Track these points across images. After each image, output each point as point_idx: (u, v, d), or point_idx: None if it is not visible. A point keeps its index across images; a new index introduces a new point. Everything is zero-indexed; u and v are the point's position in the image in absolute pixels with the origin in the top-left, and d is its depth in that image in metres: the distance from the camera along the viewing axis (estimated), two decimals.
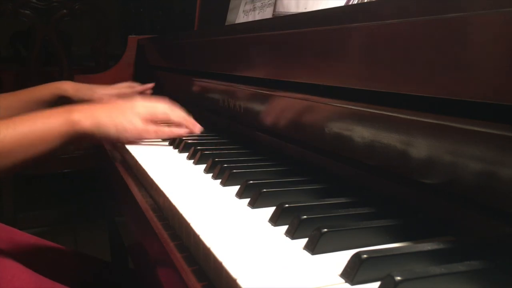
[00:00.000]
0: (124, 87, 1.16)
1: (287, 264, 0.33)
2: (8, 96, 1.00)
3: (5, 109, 0.96)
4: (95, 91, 1.10)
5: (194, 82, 0.95)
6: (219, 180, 0.53)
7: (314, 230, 0.35)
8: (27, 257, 0.77)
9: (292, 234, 0.37)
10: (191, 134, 0.74)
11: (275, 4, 0.90)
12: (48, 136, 0.62)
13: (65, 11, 1.97)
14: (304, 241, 0.36)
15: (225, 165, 0.55)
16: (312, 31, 0.51)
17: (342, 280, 0.30)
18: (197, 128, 0.75)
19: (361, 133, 0.45)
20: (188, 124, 0.75)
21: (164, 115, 0.73)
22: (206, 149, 0.64)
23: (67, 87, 1.05)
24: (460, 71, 0.33)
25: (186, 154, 0.67)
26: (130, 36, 1.45)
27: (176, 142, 0.74)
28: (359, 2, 0.67)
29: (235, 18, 1.09)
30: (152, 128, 0.70)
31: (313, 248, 0.34)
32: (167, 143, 0.77)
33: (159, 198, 0.50)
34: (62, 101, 1.07)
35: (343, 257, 0.33)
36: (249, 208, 0.44)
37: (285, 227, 0.38)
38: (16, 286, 0.64)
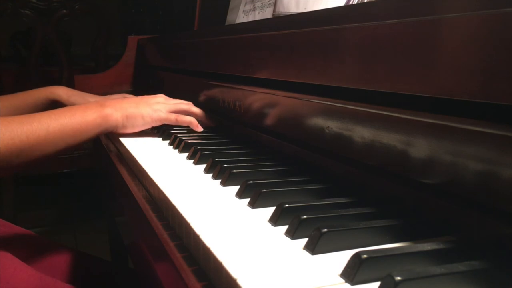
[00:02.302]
0: (118, 97, 1.15)
1: (287, 264, 0.33)
2: (3, 99, 0.99)
3: (1, 112, 0.96)
4: (86, 99, 1.09)
5: (194, 82, 0.95)
6: (219, 180, 0.53)
7: (314, 230, 0.35)
8: (27, 254, 0.78)
9: (292, 234, 0.37)
10: (207, 126, 0.85)
11: (275, 4, 0.90)
12: (86, 127, 0.71)
13: (65, 11, 1.97)
14: (304, 241, 0.36)
15: (225, 165, 0.55)
16: (312, 31, 0.51)
17: (342, 280, 0.30)
18: (211, 123, 0.86)
19: (361, 133, 0.45)
20: (205, 120, 0.85)
21: (186, 105, 0.84)
22: (206, 149, 0.64)
23: (61, 92, 1.06)
24: (460, 71, 0.33)
25: (186, 154, 0.67)
26: (130, 36, 1.45)
27: (176, 142, 0.74)
28: (359, 2, 0.67)
29: (235, 18, 1.09)
30: (173, 116, 0.80)
31: (313, 248, 0.34)
32: (167, 143, 0.77)
33: (159, 198, 0.50)
34: (55, 105, 1.08)
35: (343, 257, 0.33)
36: (249, 208, 0.44)
37: (285, 227, 0.39)
38: (17, 282, 0.65)
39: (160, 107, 0.80)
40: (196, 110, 0.85)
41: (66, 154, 0.75)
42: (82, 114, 0.71)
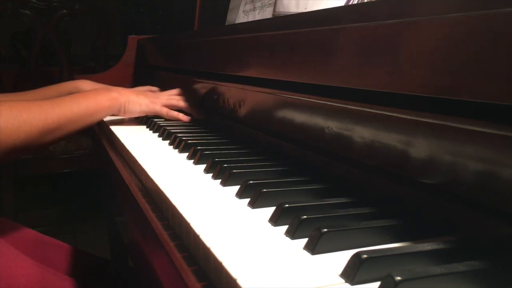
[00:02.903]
0: (144, 89, 1.17)
1: (287, 264, 0.33)
2: (27, 95, 1.03)
3: None
4: None
5: (194, 82, 0.95)
6: (219, 180, 0.53)
7: (314, 230, 0.35)
8: (30, 251, 0.78)
9: (292, 234, 0.37)
10: (197, 119, 0.96)
11: (275, 4, 0.90)
12: (99, 109, 0.84)
13: (65, 11, 1.97)
14: (304, 241, 0.36)
15: (225, 165, 0.55)
16: (312, 31, 0.51)
17: (342, 280, 0.30)
18: (198, 115, 0.97)
19: (361, 133, 0.45)
20: (193, 112, 0.97)
21: (176, 101, 0.97)
22: (206, 149, 0.64)
23: (85, 86, 1.11)
24: (460, 71, 0.33)
25: (186, 154, 0.67)
26: (130, 36, 1.45)
27: (176, 142, 0.74)
28: (359, 2, 0.67)
29: (235, 18, 1.09)
30: (164, 110, 0.94)
31: (313, 248, 0.34)
32: (167, 143, 0.77)
33: (159, 198, 0.50)
34: None
35: (343, 257, 0.33)
36: (249, 208, 0.44)
37: (285, 227, 0.38)
38: (19, 276, 0.65)
39: (155, 99, 0.94)
40: (183, 104, 0.98)
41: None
42: (95, 98, 0.84)
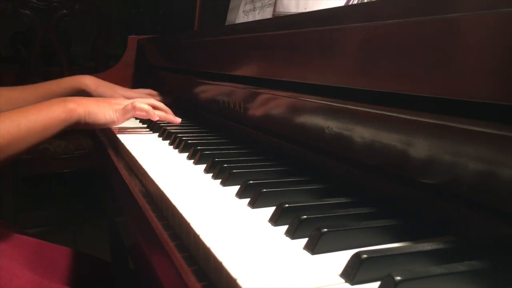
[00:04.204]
0: (144, 93, 1.16)
1: (287, 264, 0.33)
2: (26, 88, 1.01)
3: (24, 101, 0.97)
4: (115, 90, 1.10)
5: (194, 82, 0.95)
6: (219, 180, 0.53)
7: (314, 230, 0.35)
8: (27, 256, 0.78)
9: (292, 234, 0.37)
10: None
11: (275, 4, 0.90)
12: (52, 122, 0.73)
13: (65, 11, 1.98)
14: (304, 241, 0.36)
15: (225, 165, 0.55)
16: (312, 31, 0.51)
17: (342, 280, 0.30)
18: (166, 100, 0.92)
19: (361, 133, 0.45)
20: (157, 108, 0.87)
21: (141, 111, 0.85)
22: (206, 149, 0.64)
23: (89, 82, 1.07)
24: (460, 71, 0.33)
25: (186, 154, 0.67)
26: (130, 36, 1.45)
27: (176, 142, 0.74)
28: (359, 2, 0.67)
29: (235, 18, 1.09)
30: (129, 106, 0.83)
31: (313, 248, 0.34)
32: (167, 143, 0.77)
33: (159, 198, 0.50)
34: (82, 95, 1.08)
35: (343, 257, 0.33)
36: (249, 208, 0.44)
37: (285, 227, 0.39)
38: (15, 286, 0.64)
39: (118, 107, 0.83)
40: (142, 106, 0.86)
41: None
42: (47, 110, 0.73)
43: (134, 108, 0.83)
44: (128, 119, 0.84)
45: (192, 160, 0.64)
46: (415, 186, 0.39)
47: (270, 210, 0.42)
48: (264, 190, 0.45)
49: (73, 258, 0.86)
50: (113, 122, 0.82)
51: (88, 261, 0.92)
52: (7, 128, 0.66)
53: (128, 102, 0.85)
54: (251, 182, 0.48)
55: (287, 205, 0.40)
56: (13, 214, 1.97)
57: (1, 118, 0.67)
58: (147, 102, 0.86)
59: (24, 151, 0.70)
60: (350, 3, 0.68)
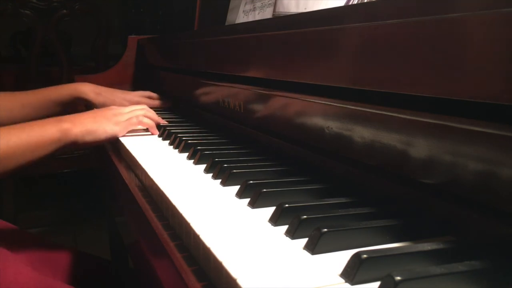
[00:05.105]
0: (143, 95, 1.15)
1: (287, 264, 0.33)
2: (26, 94, 1.00)
3: (22, 107, 0.96)
4: (116, 95, 1.09)
5: (194, 82, 0.95)
6: (219, 180, 0.53)
7: (314, 230, 0.35)
8: (28, 255, 0.78)
9: (292, 234, 0.37)
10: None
11: (275, 4, 0.90)
12: (44, 142, 0.70)
13: (65, 11, 1.97)
14: (304, 241, 0.36)
15: (225, 165, 0.55)
16: (312, 31, 0.51)
17: (342, 280, 0.30)
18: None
19: (361, 133, 0.45)
20: (157, 120, 0.88)
21: (142, 111, 0.85)
22: (206, 149, 0.64)
23: (87, 90, 1.05)
24: (460, 71, 0.33)
25: (186, 154, 0.67)
26: (130, 36, 1.45)
27: (176, 142, 0.74)
28: (359, 2, 0.67)
29: (235, 18, 1.09)
30: (134, 120, 0.82)
31: (313, 248, 0.34)
32: (167, 142, 0.77)
33: (159, 198, 0.50)
34: (81, 103, 1.07)
35: (343, 257, 0.33)
36: (249, 208, 0.44)
37: (285, 227, 0.39)
38: (19, 283, 0.65)
39: (118, 119, 0.81)
40: (147, 120, 0.85)
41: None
42: (40, 129, 0.71)
43: (140, 123, 0.83)
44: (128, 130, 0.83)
45: (192, 160, 0.64)
46: (415, 186, 0.39)
47: (270, 210, 0.42)
48: (264, 190, 0.45)
49: (74, 257, 0.86)
50: (114, 137, 0.79)
51: (89, 260, 0.92)
52: None
53: (128, 110, 0.84)
54: (251, 182, 0.48)
55: (287, 205, 0.40)
56: (13, 214, 1.97)
57: None
58: (148, 116, 0.86)
59: (13, 169, 0.67)
60: (350, 3, 0.68)
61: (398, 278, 0.27)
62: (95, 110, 0.85)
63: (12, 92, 1.00)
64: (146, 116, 0.85)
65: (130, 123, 0.81)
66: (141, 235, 0.53)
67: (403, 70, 0.38)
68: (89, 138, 0.75)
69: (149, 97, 1.16)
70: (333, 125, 0.49)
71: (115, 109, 0.84)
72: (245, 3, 1.05)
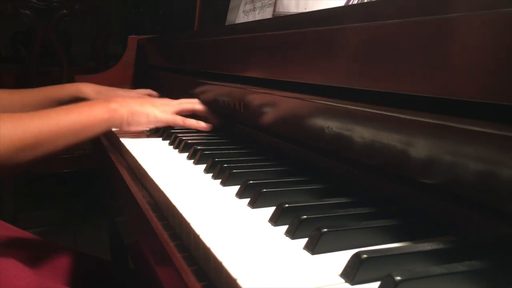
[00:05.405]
0: (143, 93, 1.15)
1: (287, 264, 0.33)
2: (26, 92, 0.99)
3: (22, 105, 0.96)
4: (118, 94, 1.09)
5: (194, 82, 0.95)
6: (219, 180, 0.53)
7: (314, 230, 0.35)
8: (28, 256, 0.78)
9: (292, 234, 0.37)
10: (213, 125, 0.84)
11: (275, 4, 0.90)
12: (94, 122, 0.72)
13: (65, 11, 1.97)
14: (304, 241, 0.36)
15: (225, 165, 0.55)
16: (312, 31, 0.51)
17: (342, 280, 0.30)
18: (216, 120, 0.85)
19: (361, 133, 0.45)
20: (210, 116, 0.86)
21: (190, 104, 0.85)
22: (206, 149, 0.64)
23: (88, 90, 1.04)
24: (460, 71, 0.33)
25: (186, 154, 0.67)
26: (130, 36, 1.45)
27: (176, 142, 0.74)
28: (359, 2, 0.67)
29: (235, 18, 1.09)
30: (179, 118, 0.81)
31: (313, 248, 0.34)
32: (167, 143, 0.77)
33: (159, 198, 0.50)
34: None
35: (343, 257, 0.33)
36: (249, 208, 0.44)
37: (285, 227, 0.39)
38: (18, 286, 0.64)
39: (164, 108, 0.81)
40: (200, 107, 0.85)
41: (73, 150, 0.77)
42: (89, 109, 0.73)
43: (184, 124, 0.81)
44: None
45: (192, 160, 0.64)
46: (415, 186, 0.39)
47: (270, 210, 0.42)
48: (264, 190, 0.45)
49: (74, 257, 0.86)
50: (157, 123, 0.80)
51: (89, 260, 0.92)
52: (46, 124, 0.66)
53: (177, 102, 0.84)
54: (251, 182, 0.48)
55: (287, 205, 0.40)
56: (13, 214, 1.97)
57: (41, 114, 0.67)
58: (196, 110, 0.85)
59: (62, 148, 0.69)
60: (350, 3, 0.68)
61: (398, 278, 0.27)
62: (145, 96, 0.88)
63: (12, 90, 0.99)
64: (194, 109, 0.84)
65: (174, 120, 0.80)
66: (141, 235, 0.53)
67: (403, 70, 0.38)
68: (133, 120, 0.77)
69: (149, 95, 1.16)
70: (333, 125, 0.49)
71: (164, 99, 0.84)
72: (245, 3, 1.05)
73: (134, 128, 0.79)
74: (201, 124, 0.82)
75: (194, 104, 0.85)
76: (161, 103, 0.82)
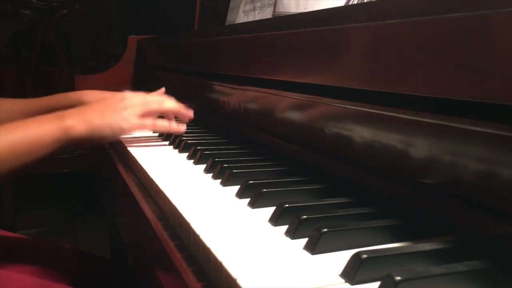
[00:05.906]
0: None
1: (287, 264, 0.33)
2: (30, 102, 0.95)
3: (26, 115, 0.95)
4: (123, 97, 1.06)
5: (194, 82, 0.95)
6: (219, 180, 0.53)
7: (314, 230, 0.35)
8: (27, 256, 0.78)
9: (292, 234, 0.37)
10: (188, 120, 0.78)
11: (275, 4, 0.90)
12: (42, 142, 0.62)
13: (65, 11, 1.97)
14: (304, 241, 0.36)
15: (225, 165, 0.55)
16: (312, 31, 0.51)
17: (342, 280, 0.30)
18: (190, 113, 0.78)
19: (361, 133, 0.45)
20: (181, 111, 0.77)
21: (157, 104, 0.74)
22: (206, 149, 0.65)
23: (90, 98, 0.97)
24: (459, 71, 0.33)
25: (186, 154, 0.67)
26: (130, 36, 1.45)
27: (176, 142, 0.74)
28: (359, 2, 0.67)
29: (235, 18, 1.09)
30: (148, 122, 0.72)
31: (313, 248, 0.34)
32: (167, 143, 0.77)
33: (159, 198, 0.50)
34: None
35: (343, 257, 0.33)
36: (249, 208, 0.44)
37: (285, 227, 0.39)
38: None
39: (128, 113, 0.70)
40: (168, 107, 0.76)
41: (27, 171, 0.62)
42: (37, 128, 0.62)
43: (154, 127, 0.74)
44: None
45: (192, 160, 0.64)
46: (415, 186, 0.39)
47: (270, 210, 0.42)
48: (264, 190, 0.45)
49: (74, 256, 0.86)
50: (124, 133, 0.71)
51: (89, 259, 0.92)
52: None
53: (140, 102, 0.73)
54: (251, 182, 0.48)
55: (287, 205, 0.40)
56: (13, 214, 1.97)
57: None
58: (165, 110, 0.76)
59: (7, 174, 0.60)
60: (350, 3, 0.68)
61: (398, 278, 0.27)
62: (102, 101, 0.75)
63: (13, 99, 0.96)
64: (161, 111, 0.75)
65: (142, 125, 0.71)
66: (141, 235, 0.53)
67: (403, 70, 0.38)
68: (95, 136, 0.67)
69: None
70: (333, 125, 0.49)
71: (125, 100, 0.72)
72: (245, 3, 1.05)
73: (98, 144, 0.70)
74: (173, 127, 0.74)
75: (161, 103, 0.75)
76: (122, 107, 0.70)
